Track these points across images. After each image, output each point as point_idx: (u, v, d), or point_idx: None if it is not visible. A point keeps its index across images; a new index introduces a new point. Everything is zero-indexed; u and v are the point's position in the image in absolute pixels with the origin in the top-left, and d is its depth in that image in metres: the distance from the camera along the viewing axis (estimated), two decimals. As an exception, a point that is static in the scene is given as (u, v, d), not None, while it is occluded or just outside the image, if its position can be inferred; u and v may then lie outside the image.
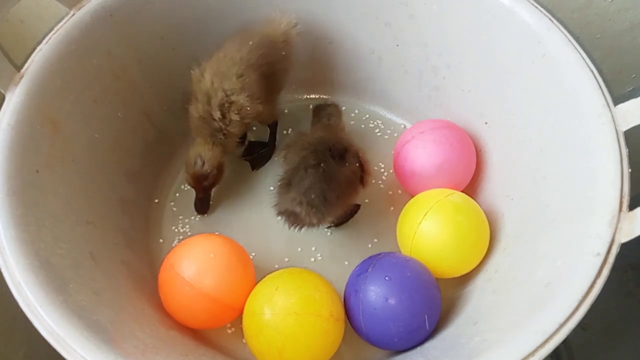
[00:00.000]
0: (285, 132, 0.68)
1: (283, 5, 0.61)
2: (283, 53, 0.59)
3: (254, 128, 0.68)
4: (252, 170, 0.65)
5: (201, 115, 0.56)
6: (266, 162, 0.66)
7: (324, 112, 0.62)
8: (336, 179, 0.51)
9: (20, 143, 0.45)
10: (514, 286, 0.47)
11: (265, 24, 0.59)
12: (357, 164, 0.54)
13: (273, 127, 0.66)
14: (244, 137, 0.65)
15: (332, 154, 0.52)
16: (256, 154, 0.66)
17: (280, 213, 0.53)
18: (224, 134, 0.57)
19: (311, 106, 0.64)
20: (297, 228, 0.53)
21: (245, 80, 0.55)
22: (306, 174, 0.51)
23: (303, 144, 0.54)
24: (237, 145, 0.61)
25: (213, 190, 0.61)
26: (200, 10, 0.60)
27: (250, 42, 0.57)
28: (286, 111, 0.69)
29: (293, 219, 0.52)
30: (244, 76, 0.55)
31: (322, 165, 0.51)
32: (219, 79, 0.55)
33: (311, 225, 0.52)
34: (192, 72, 0.57)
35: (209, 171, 0.57)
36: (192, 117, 0.57)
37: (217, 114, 0.55)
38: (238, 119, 0.56)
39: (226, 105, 0.55)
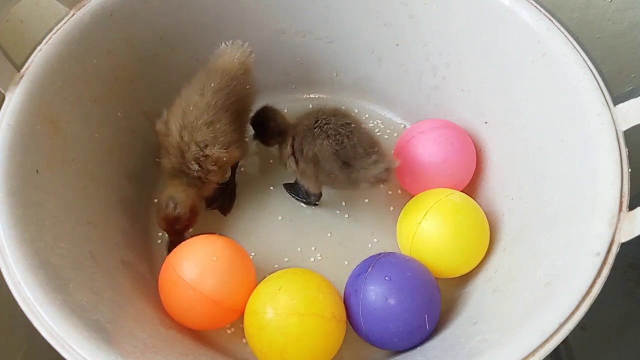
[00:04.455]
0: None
1: (283, 6, 0.61)
2: (247, 87, 0.56)
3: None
4: (225, 216, 0.61)
5: (177, 169, 0.53)
6: (234, 202, 0.62)
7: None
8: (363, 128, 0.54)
9: (20, 143, 0.45)
10: (514, 286, 0.47)
11: (218, 58, 0.56)
12: None
13: (235, 164, 0.62)
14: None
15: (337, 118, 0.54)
16: (221, 199, 0.62)
17: (374, 181, 0.53)
18: (203, 182, 0.54)
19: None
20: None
21: (217, 128, 0.52)
22: (351, 141, 0.52)
23: (314, 135, 0.54)
24: (214, 189, 0.57)
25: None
26: (200, 11, 0.60)
27: (212, 85, 0.53)
28: (286, 111, 0.69)
29: (386, 174, 0.52)
30: (214, 123, 0.52)
31: (350, 125, 0.53)
32: (189, 132, 0.51)
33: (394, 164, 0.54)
34: (156, 127, 0.54)
35: (181, 214, 0.53)
36: (166, 168, 0.54)
37: (194, 167, 0.52)
38: (216, 169, 0.53)
39: (202, 158, 0.52)
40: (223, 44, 0.57)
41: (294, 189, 0.63)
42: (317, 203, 0.62)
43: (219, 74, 0.54)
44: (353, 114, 0.56)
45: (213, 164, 0.53)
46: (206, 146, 0.52)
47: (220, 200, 0.62)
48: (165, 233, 0.56)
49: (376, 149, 0.53)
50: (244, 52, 0.56)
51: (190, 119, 0.52)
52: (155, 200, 0.63)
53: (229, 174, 0.63)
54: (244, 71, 0.56)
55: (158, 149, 0.55)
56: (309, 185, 0.57)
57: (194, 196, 0.54)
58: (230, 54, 0.56)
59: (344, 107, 0.57)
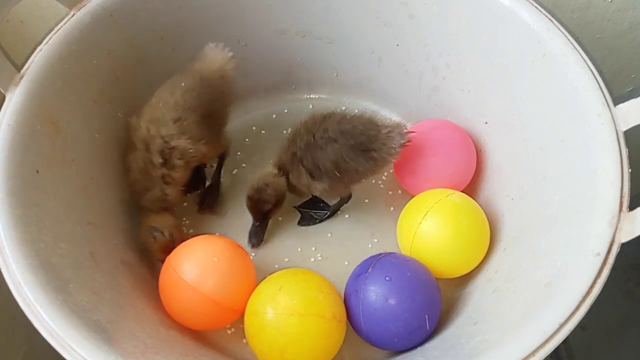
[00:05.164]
0: (284, 131, 0.67)
1: (283, 6, 0.61)
2: (223, 90, 0.57)
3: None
4: (216, 215, 0.62)
5: (141, 167, 0.54)
6: (217, 197, 0.62)
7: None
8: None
9: (20, 143, 0.45)
10: (514, 286, 0.47)
11: (200, 61, 0.57)
12: None
13: (221, 158, 0.63)
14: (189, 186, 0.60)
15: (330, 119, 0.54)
16: (208, 200, 0.62)
17: (399, 148, 0.53)
18: (166, 183, 0.54)
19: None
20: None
21: (183, 124, 0.53)
22: (357, 129, 0.53)
23: (320, 146, 0.53)
24: (181, 196, 0.57)
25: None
26: (200, 11, 0.60)
27: (183, 84, 0.54)
28: (286, 111, 0.69)
29: (405, 137, 0.53)
30: (181, 119, 0.53)
31: (346, 117, 0.54)
32: (155, 126, 0.53)
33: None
34: (130, 120, 0.55)
35: (172, 237, 0.54)
36: (131, 172, 0.55)
37: (157, 160, 0.53)
38: (182, 164, 0.54)
39: (166, 151, 0.53)
40: (209, 44, 0.57)
41: (310, 206, 0.61)
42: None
43: (191, 75, 0.55)
44: (338, 110, 0.56)
45: (179, 156, 0.53)
46: (172, 139, 0.53)
47: (209, 201, 0.62)
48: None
49: (380, 123, 0.54)
50: (224, 57, 0.57)
51: (158, 114, 0.53)
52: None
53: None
54: (220, 76, 0.57)
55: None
56: (339, 194, 0.57)
57: (167, 216, 0.56)
58: (210, 56, 0.57)
59: (342, 109, 0.57)
